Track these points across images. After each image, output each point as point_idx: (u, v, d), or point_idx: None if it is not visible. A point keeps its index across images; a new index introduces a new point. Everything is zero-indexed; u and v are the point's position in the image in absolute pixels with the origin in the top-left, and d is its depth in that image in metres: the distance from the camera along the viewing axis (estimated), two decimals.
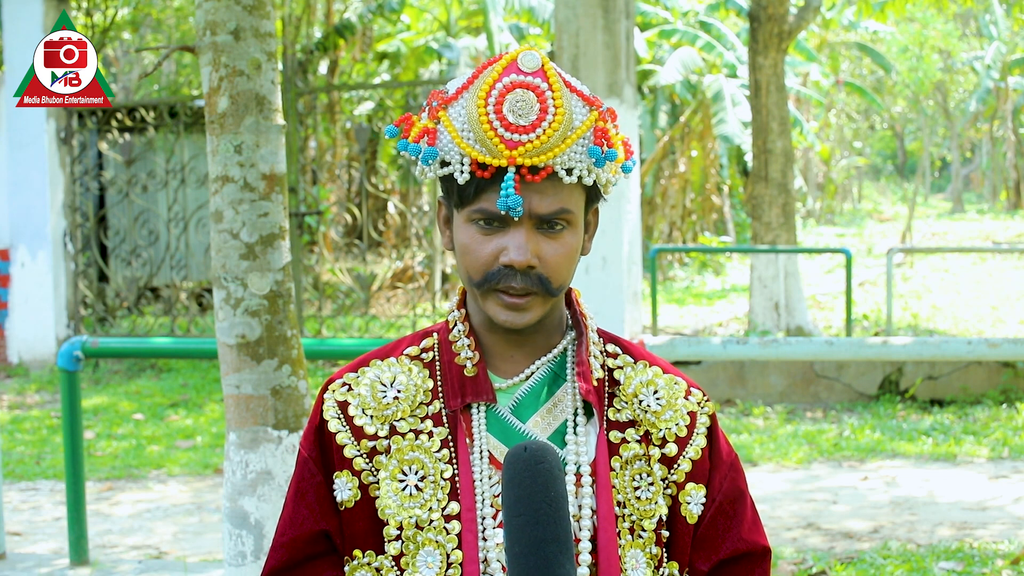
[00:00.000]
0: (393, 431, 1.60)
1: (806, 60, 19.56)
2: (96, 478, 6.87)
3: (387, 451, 1.60)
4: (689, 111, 17.56)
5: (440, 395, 1.62)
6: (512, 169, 1.50)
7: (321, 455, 1.63)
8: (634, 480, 1.61)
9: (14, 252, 10.27)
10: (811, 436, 7.64)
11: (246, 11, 3.03)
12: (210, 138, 3.06)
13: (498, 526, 1.55)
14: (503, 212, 1.51)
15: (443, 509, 1.57)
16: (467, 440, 1.58)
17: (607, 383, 1.64)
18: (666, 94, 17.69)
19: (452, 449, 1.59)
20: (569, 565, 1.43)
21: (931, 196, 43.13)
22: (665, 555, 1.63)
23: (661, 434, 1.63)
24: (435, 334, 1.67)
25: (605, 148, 1.54)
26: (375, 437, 1.61)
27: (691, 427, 1.66)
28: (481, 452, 1.58)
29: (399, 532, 1.58)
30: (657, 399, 1.65)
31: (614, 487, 1.59)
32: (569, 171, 1.53)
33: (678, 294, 15.46)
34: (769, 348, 5.13)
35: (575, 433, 1.59)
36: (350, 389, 1.64)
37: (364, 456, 1.61)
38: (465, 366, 1.61)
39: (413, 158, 1.58)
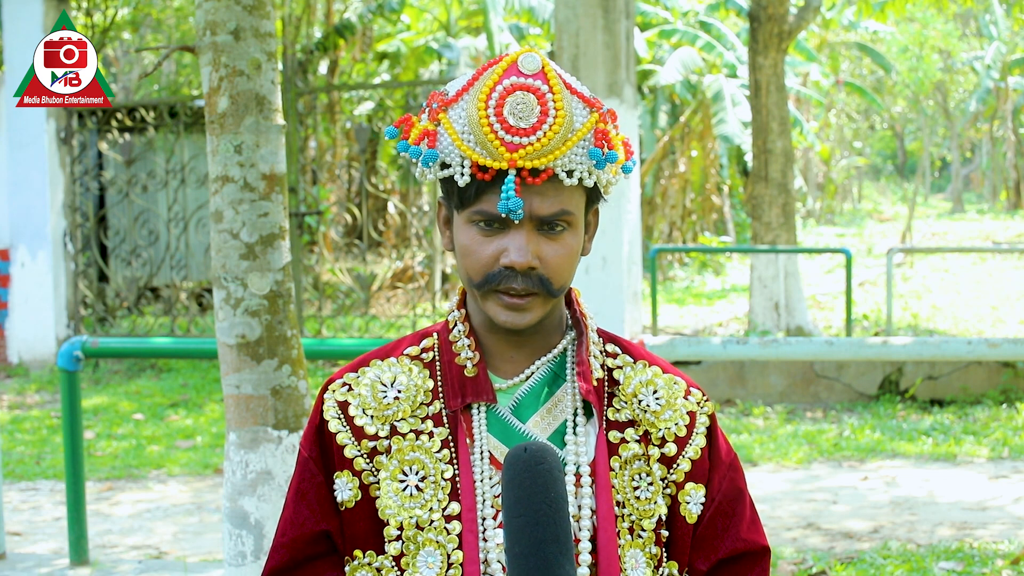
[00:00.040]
0: (394, 431, 1.61)
1: (806, 60, 19.56)
2: (96, 478, 6.87)
3: (387, 451, 1.60)
4: (689, 111, 17.56)
5: (440, 395, 1.62)
6: (513, 172, 1.50)
7: (321, 455, 1.63)
8: (633, 480, 1.61)
9: (14, 252, 10.27)
10: (811, 436, 7.64)
11: (246, 11, 3.03)
12: (210, 138, 3.06)
13: (499, 526, 1.55)
14: (504, 214, 1.51)
15: (444, 509, 1.57)
16: (467, 440, 1.58)
17: (606, 383, 1.64)
18: (666, 94, 17.69)
19: (453, 449, 1.59)
20: (569, 566, 1.44)
21: (931, 196, 43.13)
22: (664, 555, 1.63)
23: (660, 434, 1.63)
24: (435, 334, 1.67)
25: (606, 150, 1.54)
26: (375, 437, 1.61)
27: (690, 427, 1.66)
28: (482, 452, 1.58)
29: (400, 532, 1.58)
30: (656, 399, 1.65)
31: (613, 487, 1.59)
32: (570, 173, 1.53)
33: (678, 294, 15.46)
34: (769, 348, 5.13)
35: (575, 433, 1.60)
36: (350, 389, 1.64)
37: (365, 456, 1.61)
38: (465, 366, 1.62)
39: (413, 160, 1.58)
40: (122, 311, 11.25)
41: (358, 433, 1.61)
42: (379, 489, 1.60)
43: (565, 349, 1.64)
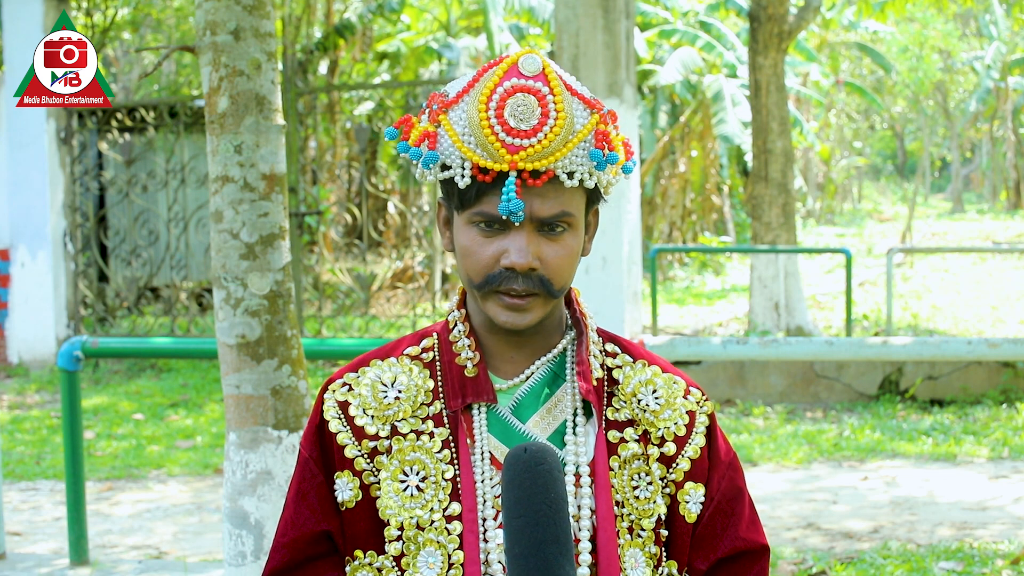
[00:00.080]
0: (394, 431, 1.61)
1: (806, 60, 19.56)
2: (96, 478, 6.87)
3: (388, 451, 1.60)
4: (689, 111, 17.56)
5: (441, 395, 1.62)
6: (513, 173, 1.51)
7: (322, 455, 1.63)
8: (633, 480, 1.61)
9: (14, 252, 10.27)
10: (811, 436, 7.64)
11: (246, 11, 3.03)
12: (210, 138, 3.06)
13: (499, 527, 1.55)
14: (504, 216, 1.51)
15: (444, 510, 1.57)
16: (468, 441, 1.59)
17: (606, 382, 1.65)
18: (666, 94, 17.68)
19: (453, 450, 1.59)
20: (569, 566, 1.44)
21: (931, 196, 43.13)
22: (664, 554, 1.63)
23: (660, 433, 1.64)
24: (435, 334, 1.67)
25: (606, 151, 1.54)
26: (376, 437, 1.61)
27: (690, 426, 1.66)
28: (482, 453, 1.58)
29: (400, 533, 1.58)
30: (656, 398, 1.65)
31: (613, 487, 1.59)
32: (570, 175, 1.53)
33: (678, 294, 15.46)
34: (769, 348, 5.13)
35: (574, 433, 1.60)
36: (350, 389, 1.64)
37: (365, 456, 1.61)
38: (466, 366, 1.62)
39: (414, 162, 1.58)
40: (122, 311, 11.25)
41: (359, 433, 1.61)
42: (379, 489, 1.60)
43: (565, 349, 1.64)
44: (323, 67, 17.44)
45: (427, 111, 1.58)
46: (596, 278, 8.15)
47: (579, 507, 1.57)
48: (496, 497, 1.56)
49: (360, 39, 17.71)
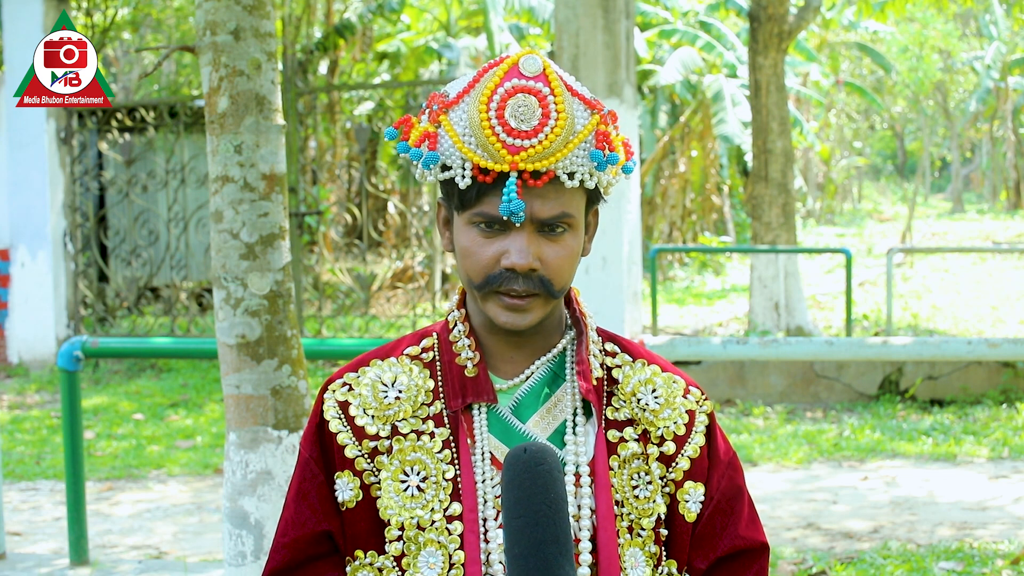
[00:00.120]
0: (395, 431, 1.61)
1: (806, 60, 19.56)
2: (96, 478, 6.87)
3: (388, 451, 1.60)
4: (689, 111, 17.56)
5: (441, 395, 1.62)
6: (514, 174, 1.51)
7: (322, 455, 1.63)
8: (632, 479, 1.61)
9: (14, 252, 10.27)
10: (811, 436, 7.64)
11: (246, 11, 3.03)
12: (210, 138, 3.06)
13: (500, 527, 1.55)
14: (505, 216, 1.51)
15: (445, 510, 1.57)
16: (468, 441, 1.59)
17: (606, 382, 1.65)
18: (666, 94, 17.68)
19: (454, 450, 1.59)
20: (569, 566, 1.44)
21: (931, 196, 43.13)
22: (664, 553, 1.63)
23: (659, 432, 1.64)
24: (434, 334, 1.67)
25: (607, 152, 1.55)
26: (376, 437, 1.61)
27: (689, 425, 1.66)
28: (483, 453, 1.58)
29: (401, 533, 1.58)
30: (655, 398, 1.65)
31: (613, 486, 1.59)
32: (571, 175, 1.53)
33: (678, 294, 15.46)
34: (769, 348, 5.13)
35: (574, 433, 1.60)
36: (351, 389, 1.64)
37: (365, 456, 1.61)
38: (466, 367, 1.62)
39: (414, 162, 1.58)
40: (122, 311, 11.25)
41: (359, 433, 1.61)
42: (380, 489, 1.60)
43: (564, 349, 1.64)
44: (323, 67, 17.44)
45: (427, 111, 1.58)
46: (596, 278, 8.15)
47: (579, 507, 1.57)
48: (497, 497, 1.56)
49: (360, 39, 17.71)
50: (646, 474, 1.62)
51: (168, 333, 10.52)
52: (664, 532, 1.63)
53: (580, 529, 1.56)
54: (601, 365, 1.65)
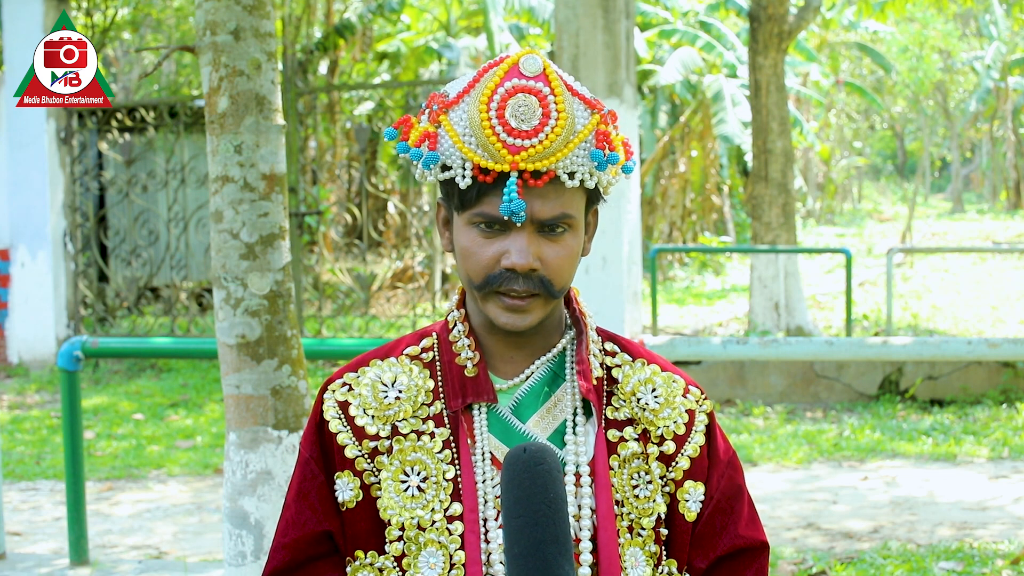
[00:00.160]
0: (395, 431, 1.61)
1: (806, 60, 19.56)
2: (96, 478, 6.87)
3: (389, 451, 1.60)
4: (689, 111, 17.56)
5: (441, 395, 1.62)
6: (515, 174, 1.51)
7: (322, 455, 1.63)
8: (632, 479, 1.61)
9: (14, 252, 10.27)
10: (811, 436, 7.64)
11: (246, 11, 3.03)
12: (210, 138, 3.06)
13: (500, 527, 1.55)
14: (505, 216, 1.51)
15: (446, 510, 1.57)
16: (468, 441, 1.59)
17: (605, 381, 1.65)
18: (666, 94, 17.69)
19: (454, 450, 1.59)
20: (568, 566, 1.44)
21: (931, 196, 43.13)
22: (664, 553, 1.63)
23: (659, 432, 1.64)
24: (434, 334, 1.67)
25: (607, 151, 1.55)
26: (376, 437, 1.61)
27: (689, 425, 1.66)
28: (483, 453, 1.58)
29: (401, 533, 1.58)
30: (655, 397, 1.65)
31: (613, 486, 1.59)
32: (571, 175, 1.53)
33: (678, 294, 15.46)
34: (769, 348, 5.13)
35: (574, 433, 1.60)
36: (350, 389, 1.64)
37: (366, 456, 1.61)
38: (466, 366, 1.62)
39: (414, 162, 1.58)
40: (122, 311, 11.25)
41: (359, 433, 1.61)
42: (380, 489, 1.60)
43: (564, 349, 1.64)
44: (323, 67, 17.44)
45: (427, 111, 1.58)
46: (596, 278, 8.15)
47: (579, 506, 1.57)
48: (497, 497, 1.56)
49: (360, 39, 17.71)
50: (646, 473, 1.62)
51: (168, 333, 10.52)
52: (664, 531, 1.63)
53: (580, 529, 1.56)
54: (601, 365, 1.65)
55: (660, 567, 1.63)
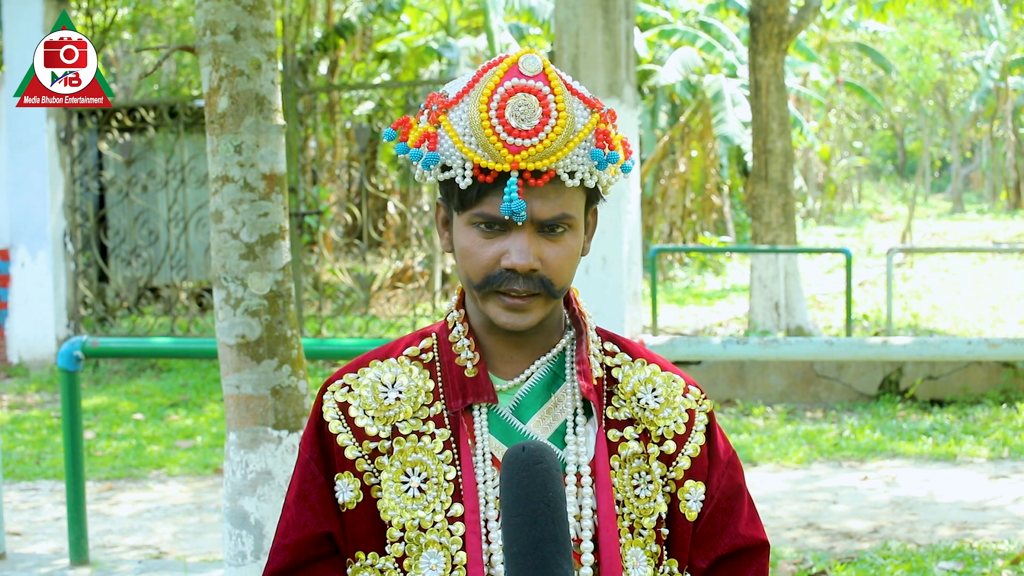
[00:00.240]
0: (395, 432, 1.60)
1: (806, 60, 19.56)
2: (96, 478, 6.87)
3: (389, 452, 1.60)
4: (689, 111, 17.56)
5: (441, 396, 1.62)
6: (515, 174, 1.51)
7: (322, 456, 1.63)
8: (633, 478, 1.61)
9: (14, 252, 10.27)
10: (811, 436, 7.64)
11: (246, 11, 3.03)
12: (210, 138, 3.06)
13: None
14: (506, 216, 1.51)
15: (446, 511, 1.57)
16: (469, 441, 1.58)
17: (605, 381, 1.65)
18: (666, 94, 17.69)
19: (455, 450, 1.59)
20: (567, 565, 1.44)
21: (931, 196, 43.13)
22: (665, 552, 1.63)
23: (660, 432, 1.64)
24: (433, 334, 1.67)
25: (607, 150, 1.55)
26: (376, 438, 1.61)
27: (689, 424, 1.66)
28: (483, 453, 1.58)
29: (402, 534, 1.58)
30: (655, 397, 1.65)
31: (614, 486, 1.59)
32: (572, 174, 1.53)
33: (678, 294, 15.46)
34: (769, 348, 5.13)
35: (575, 433, 1.60)
36: (350, 390, 1.64)
37: (366, 457, 1.61)
38: (466, 367, 1.62)
39: (414, 163, 1.58)
40: (122, 311, 11.25)
41: (359, 434, 1.61)
42: (380, 490, 1.60)
43: (564, 349, 1.64)
44: (323, 67, 17.44)
45: (426, 112, 1.57)
46: (596, 278, 8.15)
47: (580, 507, 1.57)
48: (498, 498, 1.56)
49: (360, 39, 17.71)
50: (647, 473, 1.62)
51: (168, 333, 10.52)
52: (665, 531, 1.63)
53: (582, 529, 1.56)
54: (601, 365, 1.65)
55: (661, 567, 1.62)
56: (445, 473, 1.58)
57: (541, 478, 1.45)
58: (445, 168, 1.55)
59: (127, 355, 9.11)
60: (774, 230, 10.45)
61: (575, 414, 1.61)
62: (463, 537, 1.56)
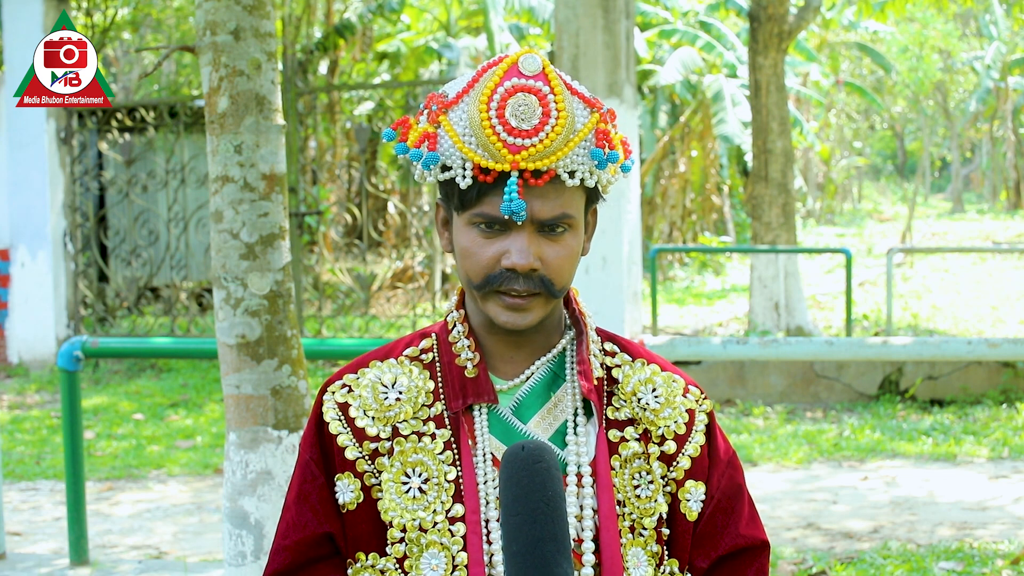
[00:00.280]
0: (396, 433, 1.60)
1: (806, 60, 19.56)
2: (96, 478, 6.87)
3: (389, 453, 1.60)
4: (689, 111, 17.56)
5: (441, 396, 1.62)
6: (515, 173, 1.51)
7: (322, 457, 1.63)
8: (634, 478, 1.61)
9: (14, 252, 10.27)
10: (811, 436, 7.64)
11: (246, 11, 3.03)
12: (210, 138, 3.06)
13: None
14: (506, 216, 1.51)
15: (447, 511, 1.57)
16: (469, 442, 1.58)
17: (606, 382, 1.65)
18: (666, 94, 17.68)
19: (455, 451, 1.59)
20: (567, 564, 1.44)
21: (931, 196, 43.13)
22: (666, 552, 1.63)
23: (660, 432, 1.64)
24: (433, 335, 1.67)
25: (607, 150, 1.55)
26: (377, 439, 1.60)
27: (690, 424, 1.66)
28: (484, 454, 1.58)
29: (403, 535, 1.57)
30: (655, 397, 1.65)
31: (614, 486, 1.59)
32: (572, 174, 1.53)
33: (678, 294, 15.46)
34: (769, 348, 5.13)
35: (575, 433, 1.60)
36: (350, 390, 1.64)
37: (366, 458, 1.60)
38: (466, 367, 1.61)
39: (413, 163, 1.58)
40: (122, 311, 11.25)
41: (359, 435, 1.61)
42: (381, 491, 1.59)
43: (564, 349, 1.64)
44: (323, 67, 17.43)
45: (426, 112, 1.57)
46: (596, 278, 8.15)
47: (581, 507, 1.57)
48: (498, 498, 1.56)
49: (360, 39, 17.71)
50: (647, 473, 1.62)
51: (168, 333, 10.52)
52: (666, 531, 1.63)
53: (583, 529, 1.56)
54: (601, 365, 1.65)
55: (662, 567, 1.62)
56: (446, 473, 1.58)
57: (540, 477, 1.45)
58: (445, 168, 1.55)
59: (127, 355, 9.11)
60: (774, 230, 10.46)
61: (575, 414, 1.61)
62: (464, 537, 1.56)
